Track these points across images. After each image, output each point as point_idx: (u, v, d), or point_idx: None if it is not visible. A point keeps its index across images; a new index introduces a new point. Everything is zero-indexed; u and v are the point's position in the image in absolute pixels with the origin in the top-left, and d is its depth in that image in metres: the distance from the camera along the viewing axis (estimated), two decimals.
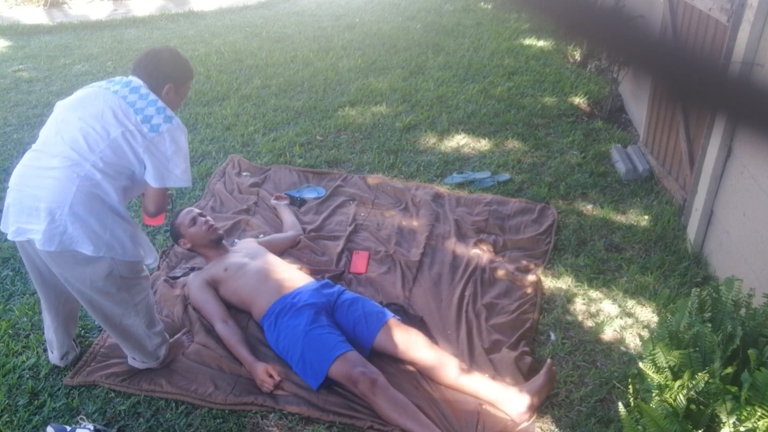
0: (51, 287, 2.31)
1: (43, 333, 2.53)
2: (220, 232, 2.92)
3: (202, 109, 4.93)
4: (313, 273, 2.94)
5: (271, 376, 2.35)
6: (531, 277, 2.93)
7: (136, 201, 3.32)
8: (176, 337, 2.58)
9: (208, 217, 2.92)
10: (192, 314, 2.69)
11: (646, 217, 3.39)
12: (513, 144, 4.27)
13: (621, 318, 2.69)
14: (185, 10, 8.13)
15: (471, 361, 2.46)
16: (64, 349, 2.47)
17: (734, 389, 1.52)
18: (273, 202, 3.57)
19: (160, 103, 2.15)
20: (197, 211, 2.90)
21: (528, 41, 6.42)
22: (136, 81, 2.18)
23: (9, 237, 2.13)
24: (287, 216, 3.40)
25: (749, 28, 2.54)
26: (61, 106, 2.19)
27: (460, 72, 5.60)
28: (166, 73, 2.19)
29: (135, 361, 2.41)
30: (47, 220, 2.02)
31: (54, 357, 2.48)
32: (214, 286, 2.73)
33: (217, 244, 2.87)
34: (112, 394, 2.36)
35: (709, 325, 1.72)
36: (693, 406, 1.57)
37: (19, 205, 2.08)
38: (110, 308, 2.21)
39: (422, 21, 7.30)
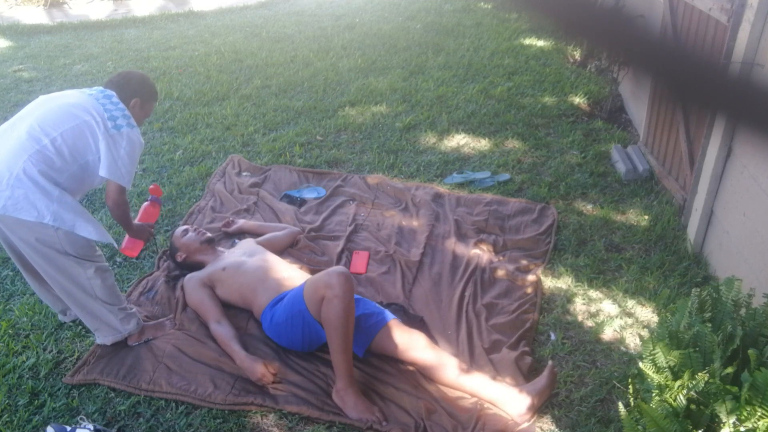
0: (16, 253, 2.44)
1: (44, 330, 2.58)
2: (209, 234, 2.98)
3: (202, 109, 4.93)
4: (313, 273, 2.94)
5: (269, 372, 2.36)
6: (531, 277, 2.93)
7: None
8: (160, 320, 2.67)
9: (198, 228, 3.05)
10: (191, 314, 2.69)
11: (646, 217, 3.39)
12: (513, 144, 4.27)
13: (621, 318, 2.69)
14: (185, 10, 8.14)
15: (471, 361, 2.46)
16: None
17: (734, 389, 1.52)
18: (232, 228, 3.31)
19: (127, 112, 2.42)
20: (189, 227, 3.03)
21: (528, 41, 6.42)
22: (109, 91, 2.45)
23: None
24: (269, 229, 3.26)
25: (749, 28, 2.55)
26: (42, 97, 2.43)
27: (460, 72, 5.60)
28: (134, 89, 2.49)
29: (99, 336, 2.50)
30: None
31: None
32: (211, 285, 2.74)
33: (209, 244, 2.92)
34: (112, 394, 2.36)
35: (709, 325, 1.72)
36: (693, 406, 1.57)
37: None
38: (61, 278, 2.33)
39: (422, 21, 7.30)
